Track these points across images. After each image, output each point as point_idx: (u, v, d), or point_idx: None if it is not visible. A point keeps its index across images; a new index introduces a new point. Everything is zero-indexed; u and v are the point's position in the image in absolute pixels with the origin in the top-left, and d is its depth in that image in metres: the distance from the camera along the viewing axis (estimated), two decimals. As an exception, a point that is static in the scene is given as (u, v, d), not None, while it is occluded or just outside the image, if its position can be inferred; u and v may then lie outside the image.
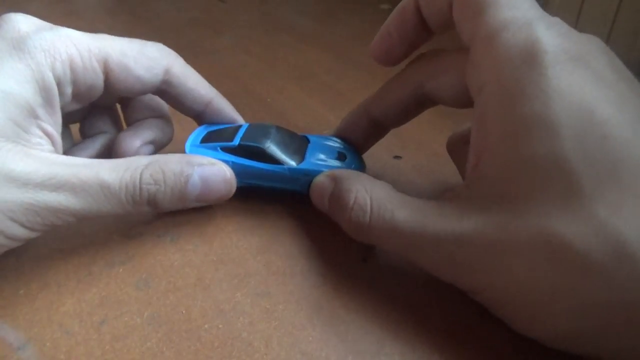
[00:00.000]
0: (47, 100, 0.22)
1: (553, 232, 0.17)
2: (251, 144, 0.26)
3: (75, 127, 0.29)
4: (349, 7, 0.67)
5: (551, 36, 0.19)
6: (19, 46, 0.21)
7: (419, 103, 0.26)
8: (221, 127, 0.29)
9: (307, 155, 0.27)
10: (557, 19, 0.20)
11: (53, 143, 0.23)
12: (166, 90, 0.27)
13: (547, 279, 0.17)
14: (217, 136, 0.27)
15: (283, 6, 0.68)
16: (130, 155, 0.26)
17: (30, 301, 0.21)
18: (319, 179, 0.25)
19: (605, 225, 0.16)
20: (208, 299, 0.22)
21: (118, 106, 0.29)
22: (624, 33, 0.44)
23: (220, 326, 0.20)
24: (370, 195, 0.22)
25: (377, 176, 0.28)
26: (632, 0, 0.43)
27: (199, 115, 0.29)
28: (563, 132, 0.17)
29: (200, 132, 0.28)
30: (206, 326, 0.20)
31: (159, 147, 0.28)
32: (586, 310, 0.16)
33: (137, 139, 0.27)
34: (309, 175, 0.26)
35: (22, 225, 0.20)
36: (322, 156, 0.27)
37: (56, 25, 0.24)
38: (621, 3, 0.43)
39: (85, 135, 0.28)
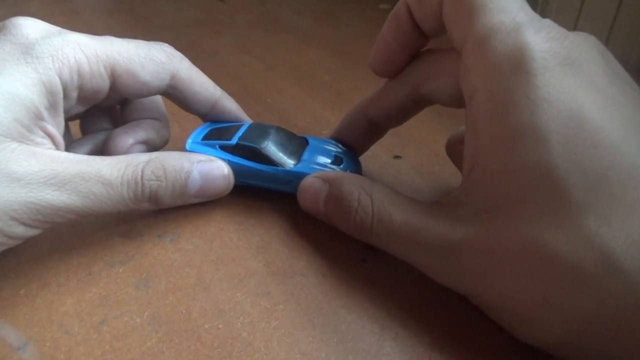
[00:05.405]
0: (52, 104, 0.22)
1: (543, 242, 0.17)
2: (248, 143, 0.26)
3: (74, 124, 0.29)
4: (349, 7, 0.67)
5: (540, 41, 0.18)
6: (27, 51, 0.21)
7: (417, 104, 0.26)
8: (224, 125, 0.29)
9: (304, 157, 0.27)
10: (547, 21, 0.19)
11: (55, 143, 0.23)
12: (172, 93, 0.27)
13: (537, 288, 0.17)
14: (218, 134, 0.28)
15: (283, 6, 0.68)
16: (121, 153, 0.26)
17: (30, 301, 0.21)
18: (309, 181, 0.25)
19: (594, 236, 0.16)
20: (208, 299, 0.22)
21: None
22: (624, 33, 0.44)
23: (220, 326, 0.20)
24: (371, 197, 0.22)
25: (377, 176, 0.28)
26: (632, 0, 0.43)
27: (206, 115, 0.29)
28: (552, 140, 0.17)
29: (203, 129, 0.29)
30: (206, 326, 0.20)
31: (152, 148, 0.28)
32: (576, 320, 0.17)
33: (130, 137, 0.27)
34: (302, 178, 0.26)
35: (23, 223, 0.20)
36: (318, 159, 0.27)
37: (64, 30, 0.24)
38: (621, 3, 0.43)
39: (86, 132, 0.28)
